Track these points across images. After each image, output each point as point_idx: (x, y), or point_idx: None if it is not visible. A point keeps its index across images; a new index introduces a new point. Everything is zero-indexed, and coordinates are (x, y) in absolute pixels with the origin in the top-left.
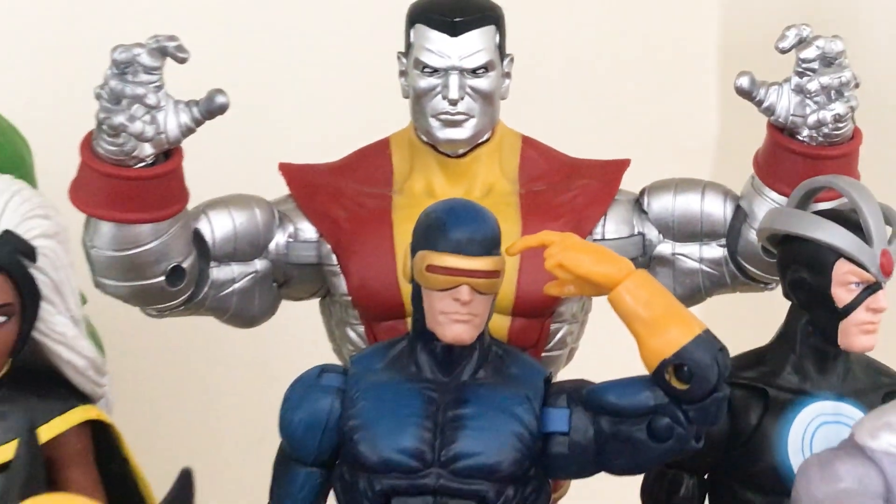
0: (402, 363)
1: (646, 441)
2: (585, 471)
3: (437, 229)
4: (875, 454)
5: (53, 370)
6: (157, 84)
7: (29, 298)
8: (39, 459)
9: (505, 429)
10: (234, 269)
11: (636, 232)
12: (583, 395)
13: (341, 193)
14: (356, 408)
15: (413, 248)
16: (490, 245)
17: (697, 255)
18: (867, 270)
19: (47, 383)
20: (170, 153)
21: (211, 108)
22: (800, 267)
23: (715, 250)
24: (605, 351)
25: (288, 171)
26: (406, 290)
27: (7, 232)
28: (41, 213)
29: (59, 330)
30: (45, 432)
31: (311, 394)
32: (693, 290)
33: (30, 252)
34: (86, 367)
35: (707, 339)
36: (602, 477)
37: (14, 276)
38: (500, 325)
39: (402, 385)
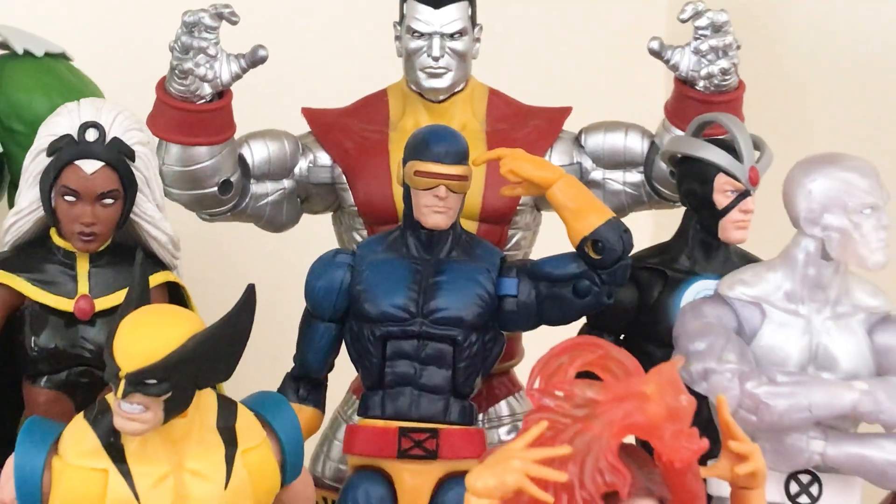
0: (395, 246)
1: (572, 299)
2: (529, 324)
3: (423, 145)
4: (731, 300)
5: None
6: (215, 40)
7: (129, 188)
8: (148, 284)
9: (470, 291)
10: (267, 186)
11: (574, 161)
12: (527, 267)
13: (349, 130)
14: (362, 277)
15: (404, 159)
16: (461, 157)
17: (621, 179)
18: (739, 181)
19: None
20: (222, 93)
21: (254, 59)
22: (691, 180)
23: (635, 176)
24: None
25: (308, 113)
26: (399, 202)
27: (115, 138)
28: (137, 127)
29: (149, 213)
30: None
31: (328, 268)
32: (617, 207)
33: (130, 154)
34: (167, 242)
35: (615, 223)
36: None
37: (119, 171)
38: (469, 229)
39: (396, 261)
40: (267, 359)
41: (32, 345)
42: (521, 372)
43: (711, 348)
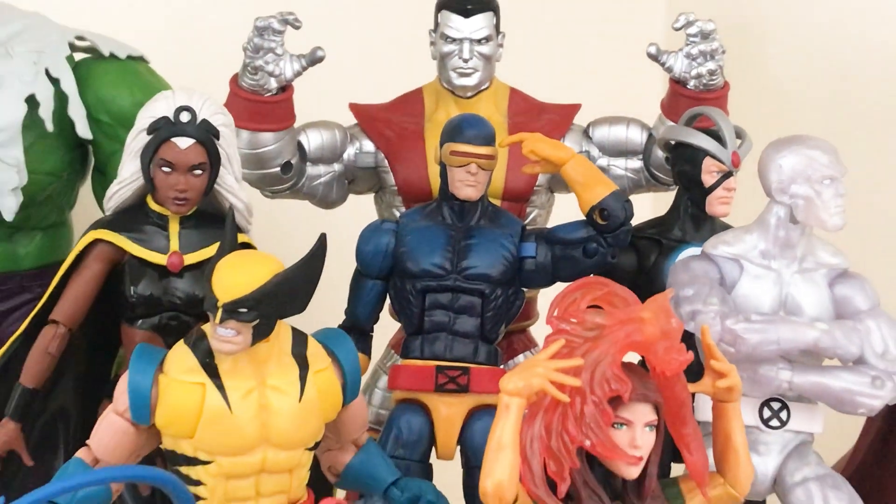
0: (433, 215)
1: (582, 259)
2: (545, 281)
3: (457, 129)
4: (714, 257)
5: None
6: (281, 42)
7: (214, 162)
8: (237, 235)
9: (496, 252)
10: (320, 169)
11: (583, 150)
12: (544, 234)
13: (390, 122)
14: (405, 241)
15: (441, 142)
16: (488, 139)
17: (623, 165)
18: (724, 163)
19: (218, 220)
20: (285, 88)
21: (313, 59)
22: (683, 163)
23: (635, 162)
24: None
25: (355, 108)
26: (433, 181)
27: (204, 120)
28: (221, 111)
29: (229, 183)
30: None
31: (376, 233)
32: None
33: (216, 133)
34: (243, 209)
35: (619, 194)
36: None
37: (207, 147)
38: None
39: (434, 227)
40: (319, 313)
41: (131, 293)
42: (536, 331)
43: (698, 294)
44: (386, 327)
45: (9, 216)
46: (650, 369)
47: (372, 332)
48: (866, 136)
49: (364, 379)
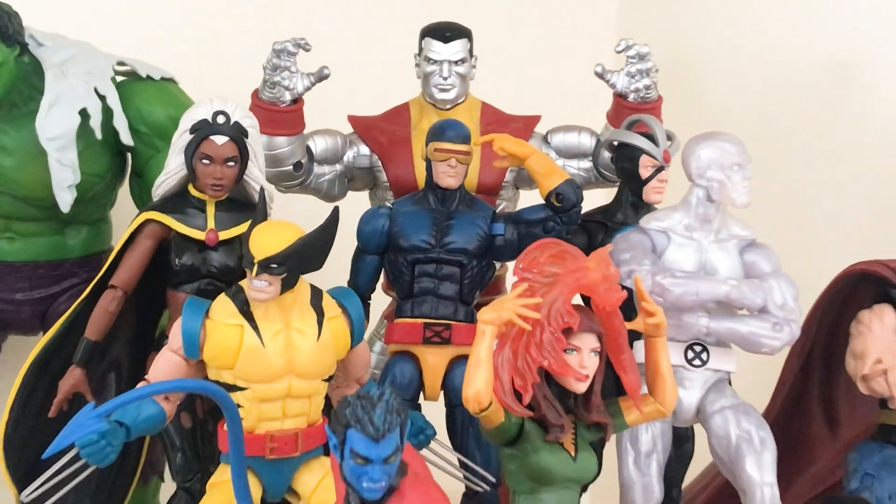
0: (420, 202)
1: (542, 235)
2: (513, 255)
3: (440, 131)
4: (648, 230)
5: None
6: (294, 62)
7: (244, 156)
8: (266, 209)
9: (472, 230)
10: (325, 168)
11: None
12: (511, 216)
13: (383, 129)
14: (397, 222)
15: (427, 141)
16: (465, 139)
17: (576, 166)
18: (657, 159)
19: (245, 205)
20: (297, 100)
21: (320, 77)
22: (624, 160)
23: (586, 163)
24: None
25: (353, 119)
26: (419, 178)
27: (236, 122)
28: (249, 115)
29: (254, 174)
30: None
31: (373, 217)
32: None
33: (245, 133)
34: (269, 196)
35: (571, 181)
36: None
37: (238, 144)
38: None
39: (421, 211)
40: (326, 284)
41: (176, 263)
42: None
43: (634, 257)
44: (379, 301)
45: (65, 208)
46: (594, 307)
47: (370, 300)
48: (784, 146)
49: None
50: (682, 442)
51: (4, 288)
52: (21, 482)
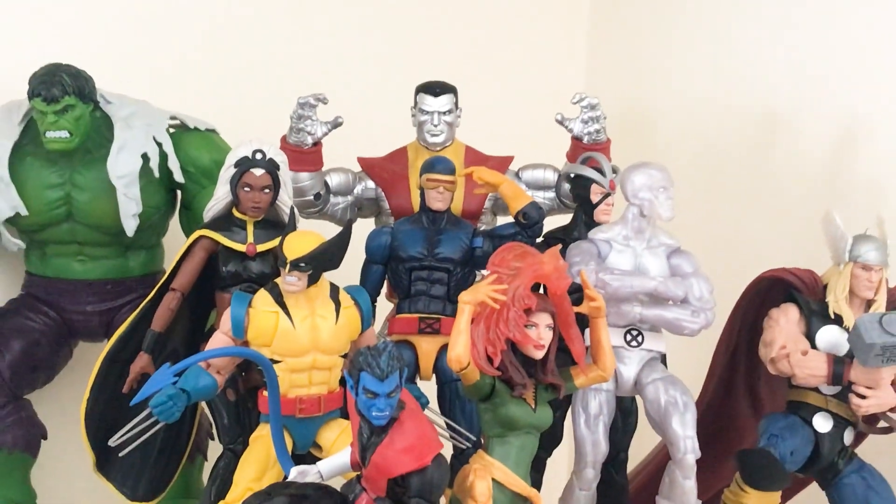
0: (415, 221)
1: None
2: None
3: (431, 165)
4: (594, 240)
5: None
6: (315, 113)
7: (276, 185)
8: (296, 224)
9: (457, 243)
10: (339, 199)
11: None
12: (488, 232)
13: (385, 168)
14: (397, 238)
15: (420, 174)
16: (451, 171)
17: (542, 196)
18: (604, 188)
19: (276, 224)
20: (317, 143)
21: (335, 124)
22: (579, 188)
23: (550, 194)
24: None
25: (362, 160)
26: (415, 205)
27: (270, 158)
28: (280, 154)
29: (284, 199)
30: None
31: (378, 235)
32: None
33: (277, 166)
34: (296, 215)
35: (535, 204)
36: None
37: (272, 175)
38: None
39: (416, 229)
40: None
41: (223, 270)
42: None
43: (583, 260)
44: (383, 307)
45: (130, 233)
46: (548, 292)
47: (375, 302)
48: (720, 179)
49: None
50: (627, 415)
51: (78, 301)
52: (97, 448)
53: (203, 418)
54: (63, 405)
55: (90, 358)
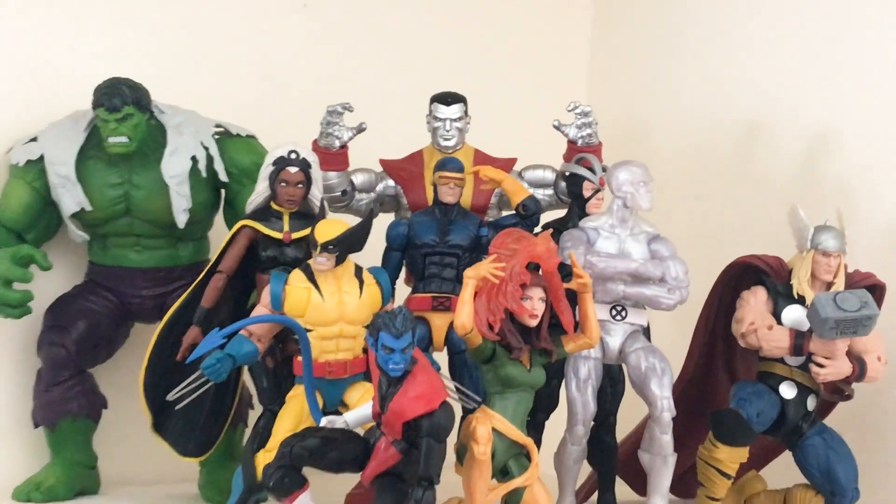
0: (429, 213)
1: None
2: None
3: (442, 164)
4: (584, 228)
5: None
6: (342, 119)
7: (308, 181)
8: (325, 214)
9: (465, 232)
10: (363, 196)
11: None
12: (492, 222)
13: (404, 168)
14: (414, 228)
15: (433, 172)
16: (460, 170)
17: (542, 193)
18: (595, 185)
19: (308, 216)
20: (344, 146)
21: (360, 129)
22: (573, 185)
23: (549, 191)
24: None
25: (383, 161)
26: (429, 200)
27: (303, 157)
28: (312, 155)
29: (315, 194)
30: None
31: (397, 225)
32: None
33: (309, 165)
34: (326, 207)
35: (533, 196)
36: None
37: (305, 172)
38: None
39: (430, 220)
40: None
41: (262, 255)
42: None
43: (574, 245)
44: (401, 293)
45: (181, 226)
46: (541, 270)
47: (394, 285)
48: (707, 182)
49: None
50: (615, 383)
51: (134, 286)
52: (154, 411)
53: (244, 391)
54: (121, 378)
55: (144, 339)
